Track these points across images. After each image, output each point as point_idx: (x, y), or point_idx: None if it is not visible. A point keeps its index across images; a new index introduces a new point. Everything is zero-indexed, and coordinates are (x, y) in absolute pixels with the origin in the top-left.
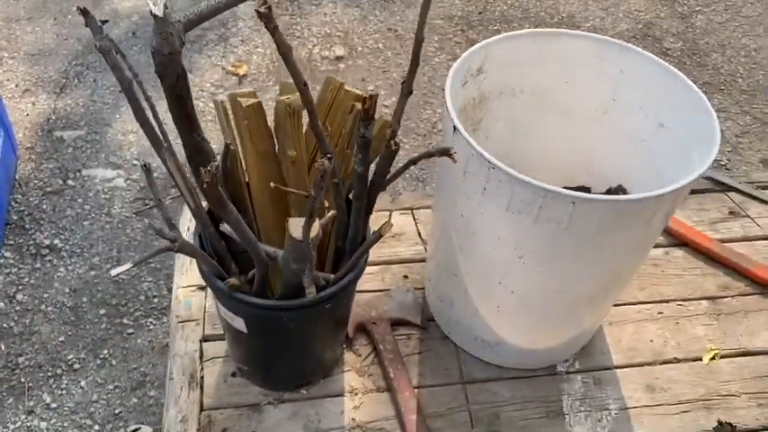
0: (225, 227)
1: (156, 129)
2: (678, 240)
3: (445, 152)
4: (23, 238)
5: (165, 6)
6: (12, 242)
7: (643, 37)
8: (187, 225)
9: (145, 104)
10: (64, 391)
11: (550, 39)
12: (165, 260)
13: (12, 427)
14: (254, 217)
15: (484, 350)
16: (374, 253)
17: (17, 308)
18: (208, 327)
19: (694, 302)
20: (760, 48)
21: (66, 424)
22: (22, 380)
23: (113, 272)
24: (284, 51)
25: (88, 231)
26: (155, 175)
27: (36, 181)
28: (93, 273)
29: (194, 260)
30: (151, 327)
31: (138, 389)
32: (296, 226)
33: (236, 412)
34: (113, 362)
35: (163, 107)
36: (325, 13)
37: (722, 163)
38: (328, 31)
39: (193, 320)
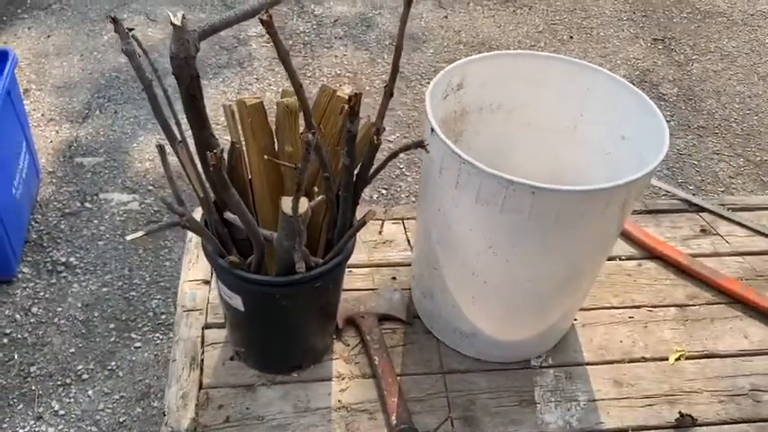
0: (228, 215)
1: (173, 125)
2: (651, 254)
3: (419, 144)
4: (41, 255)
5: (183, 17)
6: (30, 259)
7: (640, 83)
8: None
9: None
10: (72, 400)
11: (525, 59)
12: (173, 279)
13: (20, 431)
14: (254, 209)
15: (462, 342)
16: (366, 256)
17: (32, 320)
18: (210, 316)
19: (663, 309)
20: (754, 95)
21: (72, 430)
22: (33, 388)
23: (128, 237)
24: (283, 55)
25: (102, 251)
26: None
27: (56, 202)
28: (105, 289)
29: (199, 256)
30: (158, 341)
31: (143, 399)
32: (287, 203)
33: (232, 391)
34: (120, 373)
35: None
36: (336, 56)
37: None
38: (338, 72)
39: (197, 310)
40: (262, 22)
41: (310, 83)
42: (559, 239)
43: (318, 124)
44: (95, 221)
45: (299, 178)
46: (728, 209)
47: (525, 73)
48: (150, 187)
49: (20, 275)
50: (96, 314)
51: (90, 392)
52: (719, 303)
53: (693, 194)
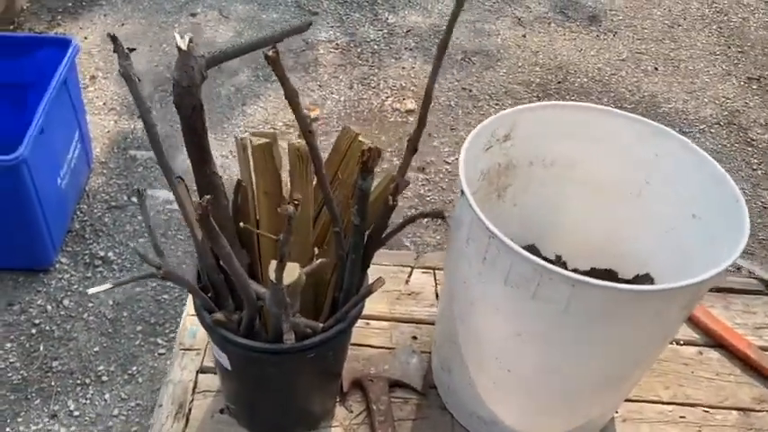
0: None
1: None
2: (715, 341)
3: (438, 214)
4: (81, 246)
5: (191, 41)
6: (69, 249)
7: (727, 124)
8: None
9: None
10: (88, 401)
11: (586, 112)
12: None
13: (33, 428)
14: (259, 255)
15: (480, 428)
16: (387, 308)
17: (62, 312)
18: (208, 358)
19: (723, 411)
20: None
21: None
22: (53, 383)
23: (90, 291)
24: (290, 96)
25: (142, 248)
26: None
27: (103, 194)
28: (137, 289)
29: None
30: None
31: None
32: (273, 268)
33: None
34: (140, 379)
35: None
36: (403, 67)
37: None
38: (403, 85)
39: (195, 350)
40: (267, 58)
41: (373, 93)
42: (600, 337)
43: (336, 170)
44: (139, 218)
45: (281, 251)
46: None
47: (585, 128)
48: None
49: (57, 265)
50: (125, 314)
51: (107, 396)
52: None
53: None
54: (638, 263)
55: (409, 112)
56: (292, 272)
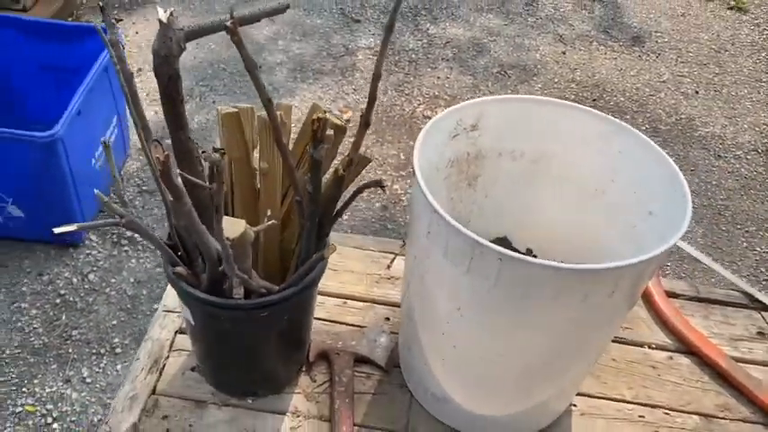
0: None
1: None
2: (687, 348)
3: (378, 183)
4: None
5: (171, 15)
6: (99, 228)
7: (765, 152)
8: None
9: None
10: (101, 370)
11: (550, 107)
12: None
13: (47, 390)
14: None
15: (433, 405)
16: (365, 290)
17: (86, 286)
18: None
19: (684, 415)
20: None
21: (93, 399)
22: (70, 351)
23: (56, 230)
24: (249, 67)
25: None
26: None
27: (136, 179)
28: (158, 270)
29: None
30: None
31: None
32: (228, 223)
33: (181, 403)
34: None
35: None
36: (438, 77)
37: None
38: (437, 93)
39: (177, 312)
40: (226, 28)
41: (406, 100)
42: (529, 315)
43: (306, 145)
44: None
45: (216, 200)
46: None
47: (552, 123)
48: None
49: (86, 242)
50: (145, 292)
51: (119, 367)
52: (756, 424)
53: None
54: (605, 259)
55: None
56: (238, 227)
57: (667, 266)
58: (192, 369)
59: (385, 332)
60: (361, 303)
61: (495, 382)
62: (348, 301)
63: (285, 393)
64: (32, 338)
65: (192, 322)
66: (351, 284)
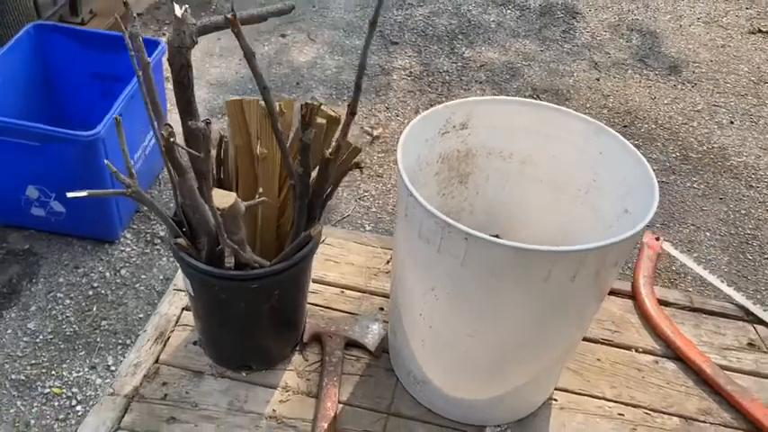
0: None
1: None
2: (674, 353)
3: (357, 165)
4: (145, 225)
5: (186, 10)
6: (135, 227)
7: None
8: None
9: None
10: (125, 359)
11: (535, 110)
12: None
13: (74, 374)
14: None
15: (414, 386)
16: (363, 282)
17: (118, 280)
18: None
19: (665, 416)
20: None
21: None
22: (98, 340)
23: (69, 194)
24: (248, 56)
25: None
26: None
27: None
28: None
29: None
30: None
31: None
32: (219, 194)
33: (180, 372)
34: None
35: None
36: None
37: None
38: None
39: (186, 291)
40: (226, 19)
41: None
42: (496, 296)
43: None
44: None
45: (204, 166)
46: None
47: (539, 125)
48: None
49: (122, 239)
50: None
51: None
52: (737, 429)
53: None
54: None
55: None
56: (228, 198)
57: (680, 284)
58: (195, 343)
59: (378, 320)
60: (357, 293)
61: (469, 364)
62: (346, 291)
63: (278, 369)
64: (65, 326)
65: (192, 293)
66: (350, 275)
